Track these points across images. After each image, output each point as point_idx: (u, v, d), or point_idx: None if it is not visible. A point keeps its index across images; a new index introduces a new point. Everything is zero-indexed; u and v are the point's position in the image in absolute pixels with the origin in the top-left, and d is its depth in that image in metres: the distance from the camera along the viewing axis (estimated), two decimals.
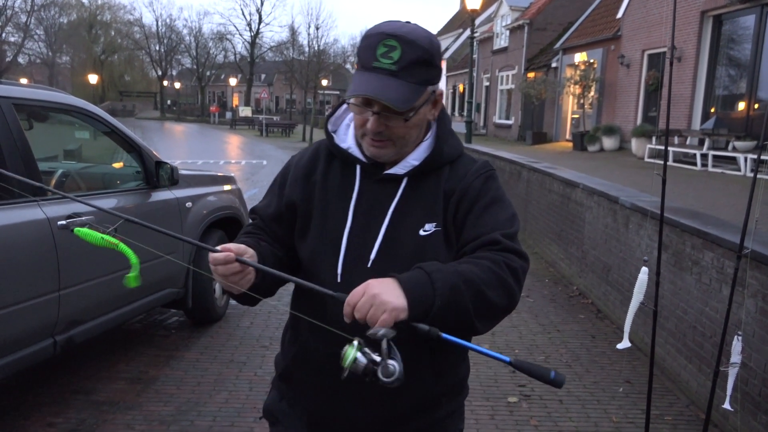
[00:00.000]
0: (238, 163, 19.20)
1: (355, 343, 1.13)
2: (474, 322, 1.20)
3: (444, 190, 1.35)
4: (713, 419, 3.33)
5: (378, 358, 1.11)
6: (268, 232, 1.44)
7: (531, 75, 21.49)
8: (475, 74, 19.60)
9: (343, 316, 1.14)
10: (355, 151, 1.38)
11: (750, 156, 9.86)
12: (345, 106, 1.43)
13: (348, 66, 56.40)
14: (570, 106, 18.94)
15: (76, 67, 58.22)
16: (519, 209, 8.60)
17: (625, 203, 4.93)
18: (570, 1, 21.79)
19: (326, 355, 1.30)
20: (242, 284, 1.25)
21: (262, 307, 4.83)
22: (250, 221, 1.51)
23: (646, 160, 12.45)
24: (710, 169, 10.48)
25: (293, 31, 50.84)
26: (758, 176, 2.27)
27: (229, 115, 49.62)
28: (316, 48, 43.37)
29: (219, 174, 5.17)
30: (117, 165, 4.64)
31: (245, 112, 44.47)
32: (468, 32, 17.42)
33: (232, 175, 5.42)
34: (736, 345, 2.32)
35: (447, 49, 34.96)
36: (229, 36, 62.60)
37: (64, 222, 1.19)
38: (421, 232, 1.31)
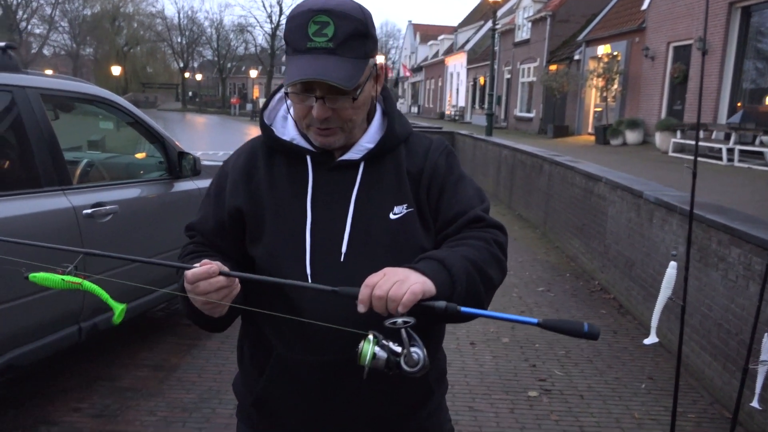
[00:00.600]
0: None
1: (371, 337, 1.04)
2: (484, 301, 1.18)
3: (407, 170, 1.27)
4: (738, 418, 3.28)
5: (399, 348, 1.04)
6: (212, 248, 1.29)
7: (553, 67, 21.26)
8: (496, 67, 19.45)
9: (358, 303, 1.04)
10: (301, 142, 1.27)
11: None
12: (278, 96, 1.33)
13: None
14: (592, 99, 18.72)
15: (100, 59, 58.93)
16: (540, 203, 8.54)
17: (649, 198, 4.86)
18: None
19: (311, 366, 1.22)
20: (226, 302, 1.12)
21: None
22: (189, 240, 1.35)
23: (671, 154, 12.26)
24: (736, 164, 10.29)
25: None
26: None
27: (249, 106, 49.87)
28: None
29: None
30: (140, 155, 4.69)
31: None
32: (489, 24, 17.27)
33: None
34: (766, 343, 2.28)
35: (468, 41, 34.73)
36: (249, 28, 63.02)
37: (24, 269, 1.08)
38: (392, 216, 1.23)
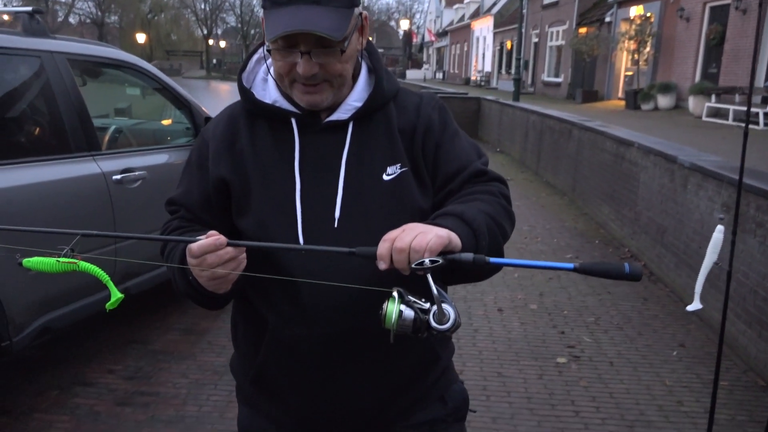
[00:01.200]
0: None
1: (395, 294, 0.95)
2: (503, 254, 1.13)
3: (399, 128, 1.20)
4: None
5: (427, 305, 0.95)
6: (198, 223, 1.21)
7: (583, 30, 20.68)
8: (523, 30, 18.98)
9: (378, 261, 0.96)
10: (284, 104, 1.18)
11: None
12: (256, 56, 1.24)
13: (392, 23, 55.35)
14: (623, 62, 18.20)
15: (125, 27, 59.03)
16: (568, 169, 8.39)
17: (684, 163, 4.73)
18: None
19: (308, 340, 1.16)
20: (233, 275, 1.05)
21: None
22: (171, 216, 1.26)
23: (704, 119, 11.92)
24: None
25: None
26: None
27: None
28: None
29: None
30: (167, 121, 4.70)
31: None
32: None
33: None
34: None
35: (494, 4, 33.93)
36: None
37: (18, 256, 1.02)
38: (385, 177, 1.16)
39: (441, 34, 46.89)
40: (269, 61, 1.15)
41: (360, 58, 1.23)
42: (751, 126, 9.14)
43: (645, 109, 14.63)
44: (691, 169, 4.59)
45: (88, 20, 58.01)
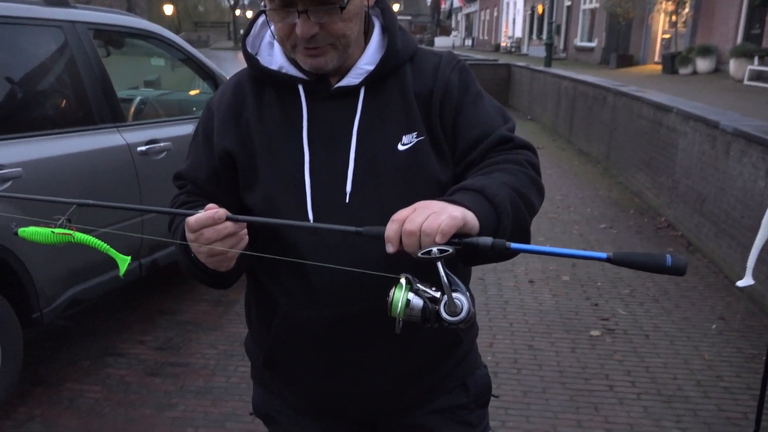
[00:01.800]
0: None
1: (403, 281, 0.87)
2: (529, 232, 1.02)
3: (415, 93, 1.10)
4: None
5: (437, 294, 0.86)
6: (206, 198, 1.12)
7: None
8: None
9: (385, 243, 0.87)
10: (291, 69, 1.10)
11: None
12: (261, 20, 1.16)
13: None
14: (660, 25, 17.53)
15: None
16: (602, 137, 8.15)
17: (726, 128, 4.51)
18: None
19: (319, 322, 1.10)
20: (235, 254, 0.99)
21: None
22: (179, 191, 1.19)
23: (746, 83, 11.43)
24: None
25: None
26: None
27: None
28: None
29: None
30: (193, 92, 4.65)
31: None
32: None
33: None
34: None
35: None
36: None
37: (14, 225, 0.99)
38: (400, 147, 1.07)
39: (470, 0, 45.84)
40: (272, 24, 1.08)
41: (373, 17, 1.13)
42: None
43: (683, 74, 14.10)
44: (735, 134, 4.38)
45: None
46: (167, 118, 3.84)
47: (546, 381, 3.03)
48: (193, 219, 0.93)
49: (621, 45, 19.86)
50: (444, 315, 0.85)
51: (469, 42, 45.00)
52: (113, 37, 3.64)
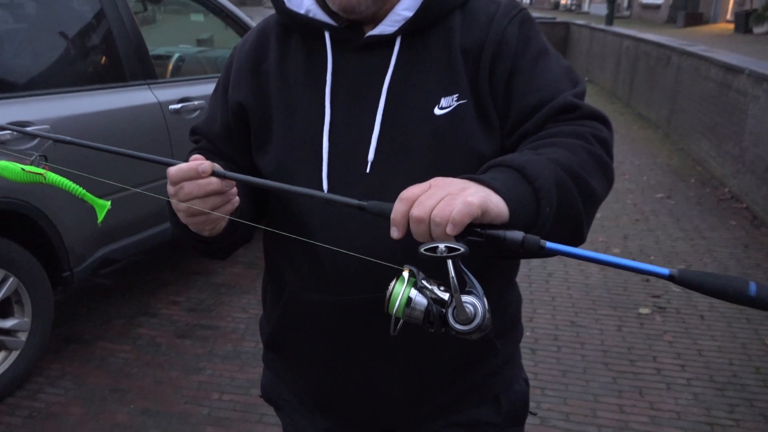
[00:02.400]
0: None
1: (406, 274, 0.72)
2: (584, 227, 0.83)
3: (462, 48, 0.91)
4: None
5: (445, 295, 0.71)
6: (220, 156, 1.01)
7: None
8: None
9: (391, 225, 0.72)
10: (318, 14, 0.95)
11: None
12: None
13: None
14: None
15: None
16: (664, 100, 7.68)
17: None
18: None
19: (327, 307, 0.96)
20: (219, 217, 0.85)
21: None
22: (194, 146, 1.07)
23: None
24: None
25: None
26: None
27: None
28: None
29: None
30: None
31: None
32: None
33: None
34: None
35: None
36: None
37: None
38: (437, 111, 0.90)
39: None
40: None
41: None
42: None
43: (757, 33, 13.14)
44: None
45: None
46: (202, 76, 3.75)
47: (587, 361, 2.85)
48: (174, 169, 0.81)
49: (690, 2, 18.68)
50: (451, 321, 0.70)
51: None
52: None
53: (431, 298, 0.71)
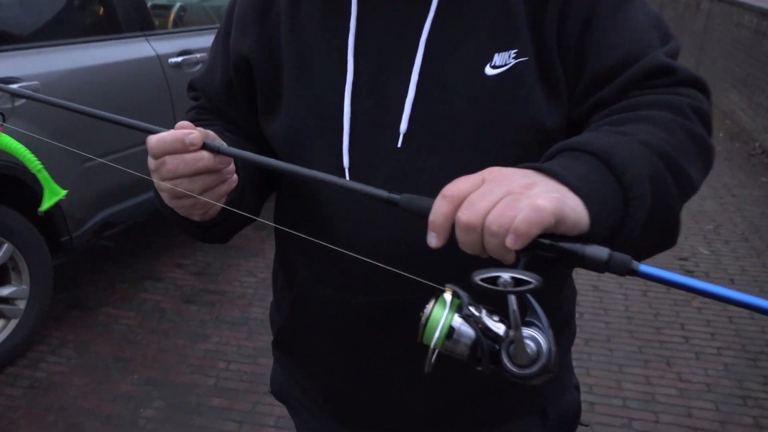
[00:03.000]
0: None
1: (447, 297, 0.55)
2: (677, 230, 0.65)
3: None
4: None
5: (500, 328, 0.54)
6: (221, 118, 0.86)
7: None
8: None
9: (428, 229, 0.54)
10: None
11: None
12: None
13: None
14: None
15: None
16: (692, 48, 7.32)
17: None
18: None
19: (342, 306, 0.80)
20: (209, 197, 0.68)
21: None
22: (193, 103, 0.90)
23: None
24: None
25: None
26: None
27: None
28: None
29: None
30: None
31: None
32: None
33: None
34: None
35: None
36: None
37: None
38: (489, 71, 0.70)
39: None
40: None
41: None
42: None
43: None
44: None
45: None
46: (206, 26, 3.54)
47: (611, 328, 2.72)
48: (154, 139, 0.64)
49: None
50: (506, 362, 0.53)
51: None
52: None
53: (480, 329, 0.54)
